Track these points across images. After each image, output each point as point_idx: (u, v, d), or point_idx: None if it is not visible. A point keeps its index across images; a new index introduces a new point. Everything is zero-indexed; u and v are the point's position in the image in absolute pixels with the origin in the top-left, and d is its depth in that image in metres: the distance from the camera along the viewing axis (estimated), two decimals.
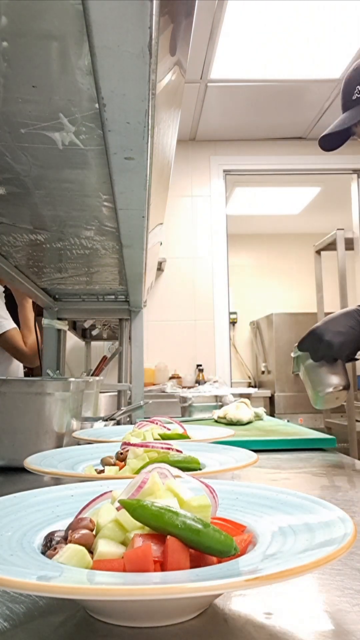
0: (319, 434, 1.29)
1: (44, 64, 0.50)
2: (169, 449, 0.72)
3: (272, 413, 3.93)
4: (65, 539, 0.40)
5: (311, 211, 5.30)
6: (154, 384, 3.57)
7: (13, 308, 2.34)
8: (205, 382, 2.88)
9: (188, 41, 0.49)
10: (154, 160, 0.68)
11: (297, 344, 1.13)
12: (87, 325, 2.52)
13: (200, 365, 3.87)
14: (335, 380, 1.08)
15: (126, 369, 2.03)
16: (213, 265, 4.01)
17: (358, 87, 1.26)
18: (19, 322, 2.33)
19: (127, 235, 1.01)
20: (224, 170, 4.12)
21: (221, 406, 1.72)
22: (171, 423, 1.03)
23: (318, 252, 3.93)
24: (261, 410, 1.58)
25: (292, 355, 1.16)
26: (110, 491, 0.46)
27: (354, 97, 1.26)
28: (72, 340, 2.88)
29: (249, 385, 4.96)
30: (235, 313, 5.60)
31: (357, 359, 1.12)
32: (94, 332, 2.75)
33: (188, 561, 0.37)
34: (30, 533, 0.43)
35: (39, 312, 1.92)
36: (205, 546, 0.37)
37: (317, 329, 1.09)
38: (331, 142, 1.29)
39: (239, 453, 0.78)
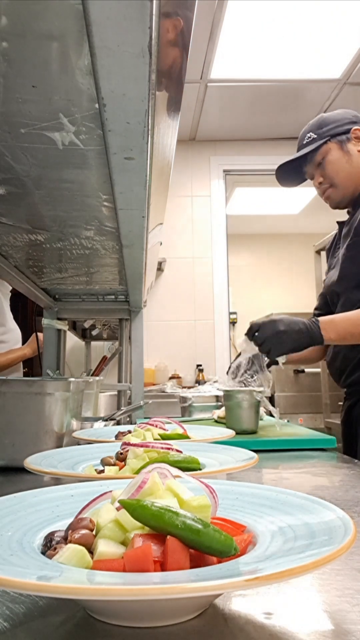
0: (319, 434, 1.29)
1: (44, 64, 0.50)
2: (169, 449, 0.72)
3: (272, 413, 3.93)
4: (65, 539, 0.40)
5: (311, 211, 5.30)
6: (154, 384, 3.56)
7: (18, 308, 2.35)
8: (205, 382, 2.88)
9: (188, 41, 0.49)
10: (154, 160, 0.68)
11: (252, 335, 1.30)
12: (87, 325, 2.52)
13: (200, 365, 3.87)
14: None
15: (126, 369, 2.03)
16: (213, 265, 4.01)
17: (309, 134, 1.55)
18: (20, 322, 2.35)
19: (127, 235, 1.01)
20: (224, 170, 4.12)
21: (221, 406, 1.72)
22: (170, 423, 1.03)
23: (318, 252, 3.93)
24: (261, 411, 1.58)
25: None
26: (110, 491, 0.46)
27: (304, 142, 1.56)
28: (72, 340, 2.87)
29: None
30: (235, 313, 5.60)
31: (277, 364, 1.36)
32: (94, 332, 2.75)
33: (188, 561, 0.37)
34: (30, 533, 0.43)
35: (39, 312, 1.92)
36: (205, 546, 0.37)
37: (277, 321, 1.27)
38: (288, 182, 1.61)
39: (239, 453, 0.78)
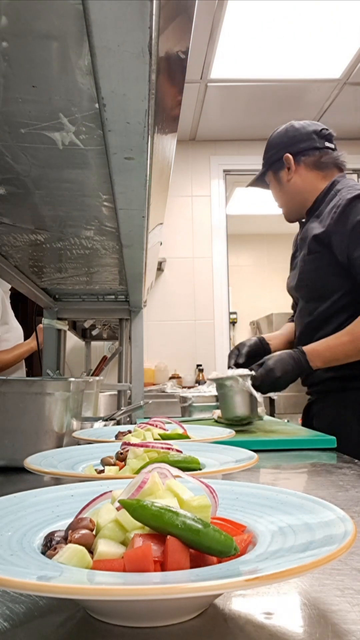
0: (319, 434, 1.29)
1: (44, 64, 0.50)
2: (169, 449, 0.72)
3: (272, 413, 3.93)
4: (65, 539, 0.40)
5: None
6: (154, 384, 3.57)
7: (18, 307, 2.36)
8: (205, 382, 2.88)
9: (188, 41, 0.49)
10: (154, 160, 0.68)
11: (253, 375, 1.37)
12: (87, 325, 2.53)
13: (200, 365, 3.87)
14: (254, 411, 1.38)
15: (126, 369, 2.03)
16: (213, 265, 4.01)
17: (263, 157, 1.69)
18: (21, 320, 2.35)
19: (127, 235, 1.01)
20: (224, 170, 4.12)
21: None
22: (170, 423, 1.03)
23: None
24: (261, 411, 1.58)
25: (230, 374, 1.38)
26: (110, 491, 0.46)
27: (261, 163, 1.70)
28: (72, 340, 2.87)
29: None
30: (235, 313, 5.61)
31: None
32: (94, 332, 2.75)
33: (188, 561, 0.37)
34: (30, 533, 0.43)
35: (39, 312, 1.93)
36: (205, 546, 0.37)
37: (269, 372, 1.36)
38: (263, 186, 1.76)
39: (239, 453, 0.78)
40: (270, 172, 1.67)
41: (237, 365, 1.54)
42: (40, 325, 2.02)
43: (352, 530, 0.38)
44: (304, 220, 1.69)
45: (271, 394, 1.43)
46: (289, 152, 1.60)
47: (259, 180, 1.74)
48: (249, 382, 1.33)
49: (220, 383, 1.36)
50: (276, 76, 3.23)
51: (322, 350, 1.40)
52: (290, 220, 1.72)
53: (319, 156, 1.60)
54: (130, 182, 0.73)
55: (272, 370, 1.36)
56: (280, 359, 1.38)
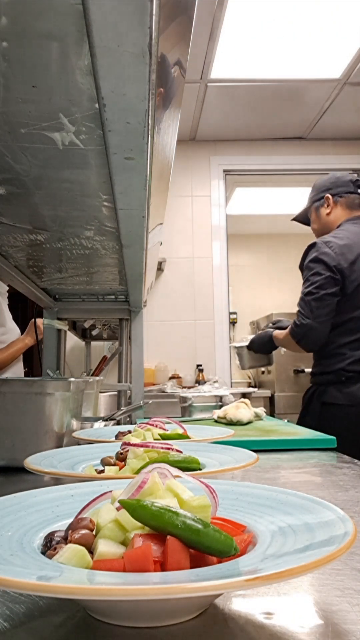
0: (319, 434, 1.29)
1: (44, 64, 0.50)
2: (169, 449, 0.72)
3: (272, 413, 3.92)
4: (65, 539, 0.40)
5: None
6: (154, 384, 3.56)
7: (18, 308, 2.35)
8: (205, 382, 2.88)
9: (188, 41, 0.49)
10: (154, 160, 0.68)
11: (247, 345, 2.32)
12: (87, 325, 2.52)
13: (200, 365, 3.87)
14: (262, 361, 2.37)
15: (126, 369, 2.03)
16: (213, 265, 4.01)
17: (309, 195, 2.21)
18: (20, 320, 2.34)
19: (127, 235, 1.01)
20: (224, 170, 4.12)
21: (221, 406, 1.72)
22: (170, 423, 1.03)
23: None
24: (261, 410, 1.59)
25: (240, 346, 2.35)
26: (110, 491, 0.46)
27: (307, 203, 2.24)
28: (72, 340, 2.87)
29: (249, 385, 4.95)
30: (235, 313, 5.60)
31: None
32: (94, 332, 2.75)
33: (188, 561, 0.37)
34: (30, 533, 0.43)
35: (39, 312, 1.92)
36: (205, 546, 0.37)
37: (252, 342, 2.28)
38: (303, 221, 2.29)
39: (239, 453, 0.78)
40: (312, 208, 2.15)
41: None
42: (40, 321, 2.02)
43: (352, 531, 0.38)
44: None
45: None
46: (330, 194, 2.06)
47: (302, 217, 2.25)
48: (245, 349, 2.28)
49: (235, 349, 2.34)
50: (276, 76, 3.23)
51: (276, 335, 2.11)
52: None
53: (352, 199, 2.05)
54: (130, 182, 0.73)
55: (252, 342, 2.24)
56: (259, 335, 2.23)
